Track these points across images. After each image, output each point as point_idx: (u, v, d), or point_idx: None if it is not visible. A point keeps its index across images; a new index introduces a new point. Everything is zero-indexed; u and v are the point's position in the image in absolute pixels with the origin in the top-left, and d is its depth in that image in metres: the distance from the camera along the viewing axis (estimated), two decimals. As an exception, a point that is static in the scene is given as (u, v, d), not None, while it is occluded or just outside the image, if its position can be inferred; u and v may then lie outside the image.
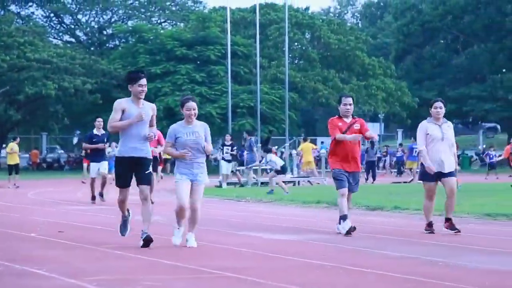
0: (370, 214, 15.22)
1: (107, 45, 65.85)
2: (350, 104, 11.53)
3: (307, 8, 69.69)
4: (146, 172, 9.57)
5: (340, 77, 55.99)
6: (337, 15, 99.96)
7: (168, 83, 49.10)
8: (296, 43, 58.89)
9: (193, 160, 9.69)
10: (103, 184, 18.91)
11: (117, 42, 65.20)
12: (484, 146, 60.55)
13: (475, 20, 59.22)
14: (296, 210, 17.04)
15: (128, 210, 10.00)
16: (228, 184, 28.35)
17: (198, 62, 51.19)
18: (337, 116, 11.59)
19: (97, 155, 18.90)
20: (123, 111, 9.51)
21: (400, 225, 12.68)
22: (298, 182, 30.67)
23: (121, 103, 9.61)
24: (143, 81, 9.55)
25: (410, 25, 63.12)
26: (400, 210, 15.34)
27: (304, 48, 59.92)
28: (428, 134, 11.31)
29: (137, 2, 66.66)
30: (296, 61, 61.36)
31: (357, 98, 56.98)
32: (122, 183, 9.66)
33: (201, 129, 9.78)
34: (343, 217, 11.11)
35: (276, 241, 10.61)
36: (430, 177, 11.24)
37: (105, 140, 18.82)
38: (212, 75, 50.00)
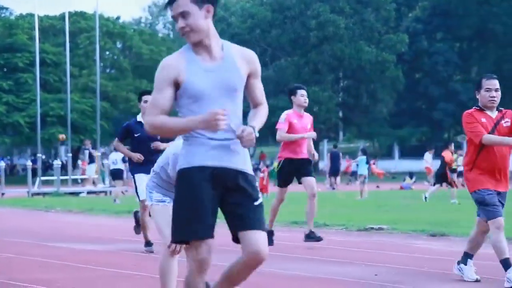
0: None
1: None
2: (496, 90, 7.44)
3: (118, 18, 69.24)
4: (256, 203, 4.34)
5: (152, 87, 56.12)
6: (148, 25, 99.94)
7: (-28, 91, 47.20)
8: (107, 52, 58.37)
9: None
10: (143, 226, 10.26)
11: None
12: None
13: (282, 34, 61.09)
14: (108, 220, 16.89)
15: None
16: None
17: (5, 70, 49.61)
18: (474, 108, 7.51)
19: (146, 162, 9.74)
20: (177, 85, 4.30)
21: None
22: (110, 192, 30.40)
23: (172, 66, 4.30)
24: None
25: (220, 37, 64.25)
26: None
27: (115, 57, 59.49)
28: None
29: None
30: (107, 70, 60.77)
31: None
32: (199, 227, 4.31)
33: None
34: (505, 262, 7.21)
35: (86, 251, 10.49)
36: None
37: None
38: (20, 83, 48.56)
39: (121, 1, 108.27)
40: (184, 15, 4.21)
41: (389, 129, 62.24)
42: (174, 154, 5.41)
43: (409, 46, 58.75)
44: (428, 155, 34.31)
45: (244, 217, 4.30)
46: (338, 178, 33.19)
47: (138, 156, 9.85)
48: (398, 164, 58.03)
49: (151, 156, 9.49)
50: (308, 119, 10.60)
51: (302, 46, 60.66)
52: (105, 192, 30.22)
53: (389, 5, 59.47)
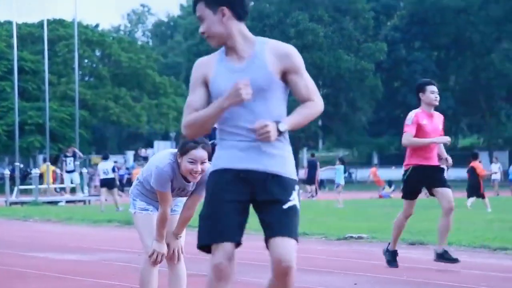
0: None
1: None
2: None
3: (97, 26, 69.13)
4: (285, 206, 4.15)
5: (131, 95, 56.00)
6: (127, 33, 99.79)
7: (-50, 98, 46.89)
8: (86, 60, 58.20)
9: None
10: None
11: None
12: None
13: (262, 42, 61.31)
14: (86, 229, 16.82)
15: None
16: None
17: (-17, 78, 49.33)
18: None
19: None
20: (206, 83, 4.19)
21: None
22: (89, 201, 30.27)
23: (201, 66, 4.21)
24: None
25: (199, 46, 64.22)
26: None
27: (94, 65, 59.34)
28: None
29: None
30: (86, 78, 60.59)
31: (149, 117, 57.21)
32: (216, 231, 4.03)
33: None
34: None
35: (65, 261, 10.44)
36: None
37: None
38: (-2, 91, 48.37)
39: (100, 9, 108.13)
40: (201, 20, 4.13)
41: (368, 137, 62.46)
42: (157, 167, 5.33)
43: (387, 55, 59.08)
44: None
45: (271, 223, 4.08)
46: (313, 187, 33.13)
47: None
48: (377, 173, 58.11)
49: None
50: (439, 118, 9.17)
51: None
52: (84, 201, 30.07)
53: (367, 14, 59.78)
